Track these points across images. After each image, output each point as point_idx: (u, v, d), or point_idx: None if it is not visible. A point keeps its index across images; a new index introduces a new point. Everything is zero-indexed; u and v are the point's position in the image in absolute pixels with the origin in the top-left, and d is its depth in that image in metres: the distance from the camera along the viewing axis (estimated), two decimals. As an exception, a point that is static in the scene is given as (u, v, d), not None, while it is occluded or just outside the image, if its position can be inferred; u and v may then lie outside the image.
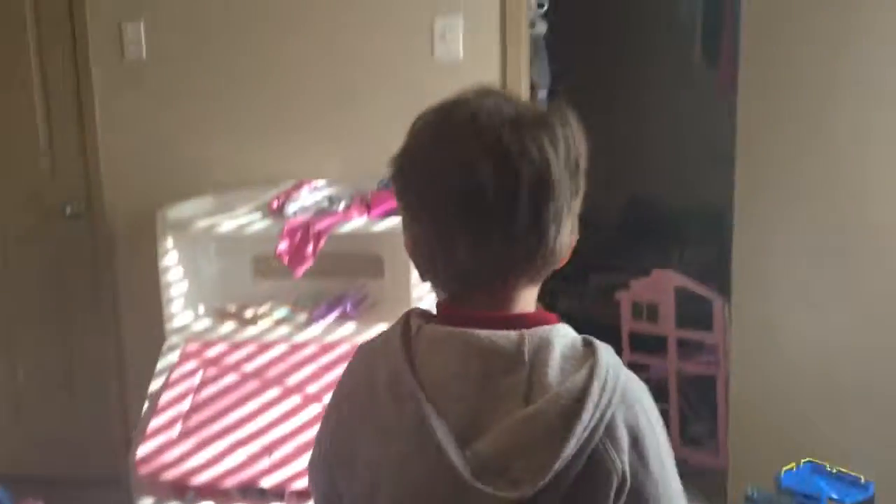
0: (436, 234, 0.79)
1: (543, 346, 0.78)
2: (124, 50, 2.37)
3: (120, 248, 2.48)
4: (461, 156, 0.76)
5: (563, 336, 0.80)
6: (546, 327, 0.80)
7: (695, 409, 2.95)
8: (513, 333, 0.78)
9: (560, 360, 0.77)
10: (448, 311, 0.82)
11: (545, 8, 2.60)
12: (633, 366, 3.27)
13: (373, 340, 0.86)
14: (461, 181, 0.76)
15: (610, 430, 0.75)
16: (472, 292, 0.81)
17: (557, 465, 0.72)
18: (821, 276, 2.15)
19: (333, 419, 0.87)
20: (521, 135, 0.77)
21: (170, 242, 2.09)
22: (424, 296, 2.02)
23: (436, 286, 0.84)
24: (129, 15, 2.34)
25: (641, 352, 3.03)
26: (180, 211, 2.13)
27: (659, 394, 2.98)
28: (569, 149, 0.79)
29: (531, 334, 0.78)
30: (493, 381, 0.76)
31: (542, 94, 2.79)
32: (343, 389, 0.86)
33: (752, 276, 2.32)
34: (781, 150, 2.18)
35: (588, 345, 0.80)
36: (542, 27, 2.64)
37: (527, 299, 0.83)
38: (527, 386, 0.76)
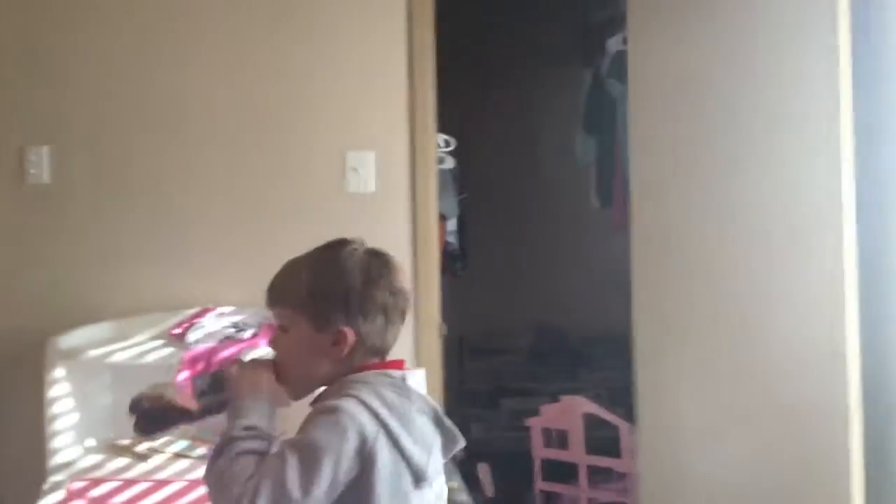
0: (385, 327, 1.21)
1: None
2: (25, 174, 2.33)
3: (3, 378, 2.33)
4: (400, 280, 1.23)
5: None
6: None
7: (607, 540, 2.92)
8: None
9: None
10: (391, 366, 1.22)
11: (452, 146, 2.75)
12: (545, 495, 3.28)
13: (368, 402, 1.13)
14: (404, 296, 1.23)
15: None
16: (385, 356, 1.23)
17: None
18: (719, 403, 2.23)
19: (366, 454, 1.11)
20: None
21: (59, 372, 1.99)
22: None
23: (364, 356, 1.20)
24: (32, 139, 2.32)
25: (553, 480, 3.02)
26: (73, 339, 2.04)
27: (569, 524, 2.97)
28: None
29: None
30: None
31: (451, 224, 2.90)
32: (363, 437, 1.10)
33: (656, 402, 2.38)
34: (674, 279, 2.32)
35: None
36: (449, 162, 2.78)
37: None
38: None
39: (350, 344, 1.17)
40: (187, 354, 1.97)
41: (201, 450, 2.04)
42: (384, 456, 1.11)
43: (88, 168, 2.33)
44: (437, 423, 1.20)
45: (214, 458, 1.13)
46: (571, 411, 2.99)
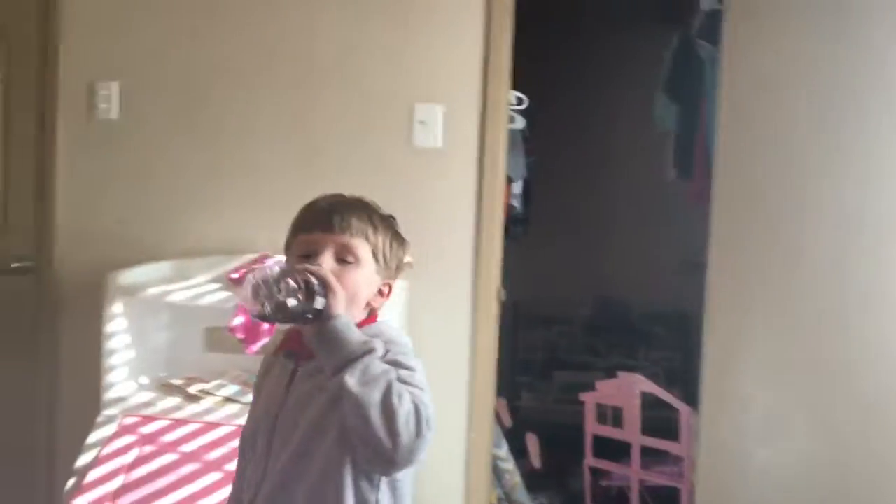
0: None
1: None
2: (95, 109, 2.33)
3: (66, 309, 2.36)
4: None
5: None
6: None
7: (657, 522, 2.85)
8: None
9: None
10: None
11: (525, 104, 2.64)
12: (593, 471, 3.21)
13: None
14: None
15: None
16: None
17: None
18: (789, 394, 2.11)
19: None
20: None
21: (118, 307, 2.00)
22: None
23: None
24: (103, 74, 2.32)
25: (603, 457, 2.94)
26: (133, 276, 2.04)
27: (620, 503, 2.91)
28: None
29: None
30: None
31: (516, 187, 2.80)
32: None
33: (721, 387, 2.27)
34: (754, 261, 2.18)
35: None
36: (520, 122, 2.67)
37: None
38: None
39: (386, 297, 1.22)
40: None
41: (251, 396, 2.02)
42: None
43: (157, 106, 2.32)
44: None
45: (370, 379, 1.03)
46: (628, 389, 2.90)
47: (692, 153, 2.87)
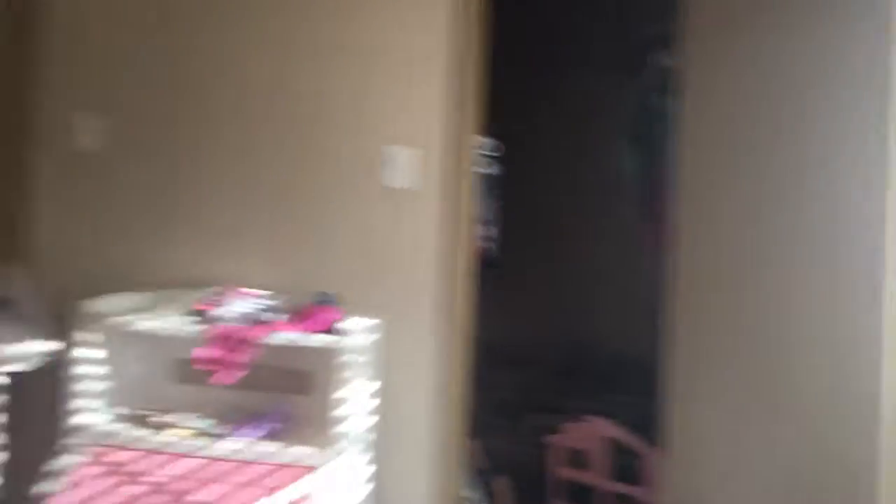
0: None
1: None
2: (71, 140, 2.38)
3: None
4: None
5: None
6: None
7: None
8: None
9: None
10: None
11: (500, 153, 2.72)
12: (561, 516, 3.08)
13: None
14: None
15: None
16: None
17: None
18: (751, 439, 2.14)
19: None
20: None
21: (87, 336, 2.02)
22: (349, 415, 1.96)
23: None
24: (78, 105, 2.38)
25: (571, 502, 2.95)
26: (101, 304, 2.06)
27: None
28: None
29: None
30: None
31: (491, 230, 2.86)
32: None
33: (684, 433, 2.31)
34: (711, 306, 2.24)
35: None
36: (493, 168, 2.75)
37: None
38: None
39: None
40: (213, 330, 1.98)
41: (222, 428, 2.04)
42: None
43: (128, 138, 2.37)
44: None
45: None
46: (594, 433, 2.92)
47: (654, 201, 2.96)
